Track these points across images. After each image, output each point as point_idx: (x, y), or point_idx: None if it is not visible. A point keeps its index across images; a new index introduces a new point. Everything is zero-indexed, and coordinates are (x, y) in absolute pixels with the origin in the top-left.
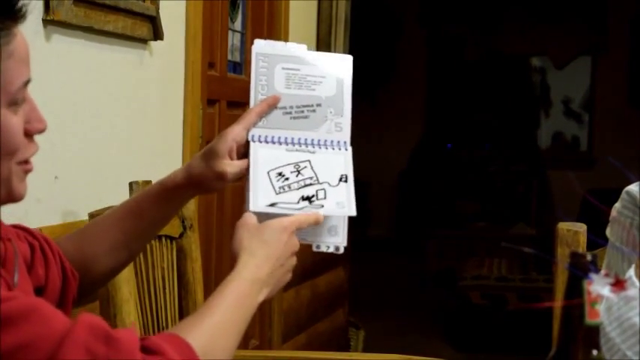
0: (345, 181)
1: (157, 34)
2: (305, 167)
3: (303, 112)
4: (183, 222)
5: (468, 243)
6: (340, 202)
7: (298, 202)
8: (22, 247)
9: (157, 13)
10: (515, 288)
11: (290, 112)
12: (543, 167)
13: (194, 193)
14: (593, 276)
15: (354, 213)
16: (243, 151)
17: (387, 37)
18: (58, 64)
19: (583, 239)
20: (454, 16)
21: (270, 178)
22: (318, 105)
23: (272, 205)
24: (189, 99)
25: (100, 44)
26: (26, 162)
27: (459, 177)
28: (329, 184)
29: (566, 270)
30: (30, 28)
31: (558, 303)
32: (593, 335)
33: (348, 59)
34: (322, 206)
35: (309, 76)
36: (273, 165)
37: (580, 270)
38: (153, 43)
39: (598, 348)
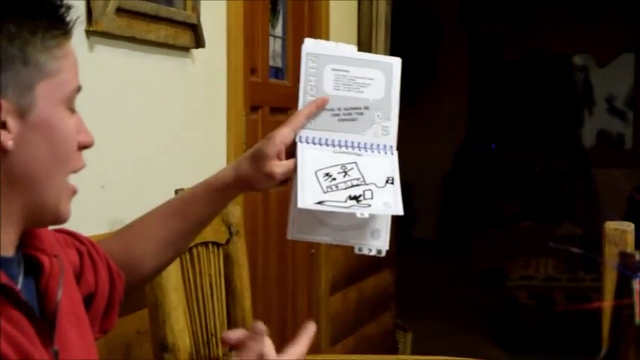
0: (392, 183)
1: (199, 42)
2: (352, 169)
3: (350, 114)
4: (229, 228)
5: (514, 243)
6: (387, 202)
7: (346, 201)
8: (70, 255)
9: (198, 21)
10: (562, 288)
11: (338, 114)
12: (588, 166)
13: (241, 192)
14: None
15: (401, 212)
16: (291, 151)
17: (428, 39)
18: (102, 74)
19: (631, 238)
20: (494, 16)
21: (317, 178)
22: (366, 108)
23: (320, 202)
24: (232, 106)
25: (142, 53)
26: (75, 171)
27: (504, 177)
28: (376, 185)
29: (615, 269)
30: (73, 39)
31: (607, 303)
32: None
33: (397, 62)
34: (369, 205)
35: (358, 78)
36: (320, 165)
37: (629, 269)
38: (195, 51)
39: None
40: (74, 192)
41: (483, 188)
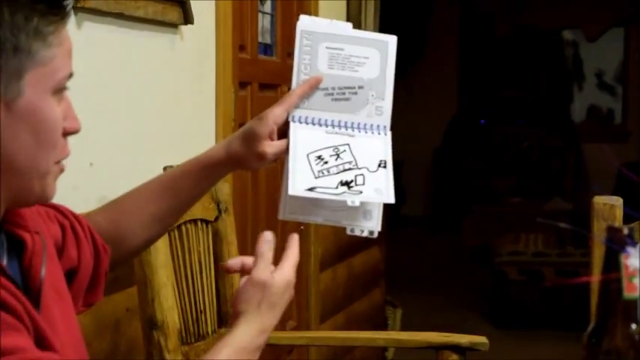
0: (384, 166)
1: (187, 19)
2: (344, 151)
3: (344, 93)
4: (218, 205)
5: (503, 219)
6: (378, 189)
7: (337, 187)
8: (52, 229)
9: None
10: (552, 263)
11: (332, 94)
12: (578, 141)
13: (231, 170)
14: (630, 249)
15: (392, 200)
16: (283, 130)
17: (418, 14)
18: (90, 51)
19: (619, 213)
20: None
21: (309, 161)
22: (360, 87)
23: (311, 189)
24: (221, 82)
25: (130, 30)
26: (59, 162)
27: (494, 153)
28: (368, 169)
29: (603, 244)
30: None
31: (596, 277)
32: (631, 309)
33: (393, 40)
34: (361, 192)
35: (352, 57)
36: (312, 147)
37: (617, 244)
38: (183, 28)
39: (636, 322)
40: (61, 171)
41: (474, 164)
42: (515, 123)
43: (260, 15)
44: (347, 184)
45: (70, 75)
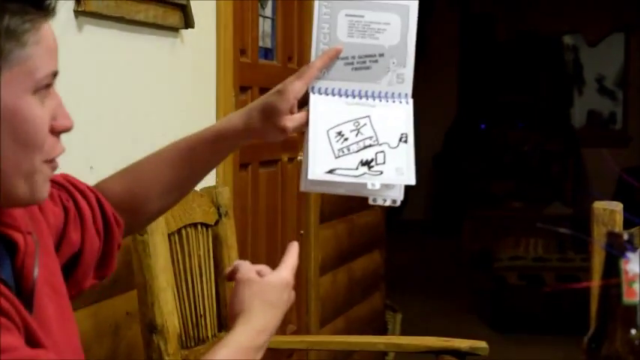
0: (405, 141)
1: (188, 22)
2: (365, 125)
3: (365, 62)
4: (218, 209)
5: (503, 223)
6: (399, 168)
7: (357, 168)
8: (56, 213)
9: (188, 1)
10: (552, 268)
11: (352, 63)
12: (578, 146)
13: (249, 141)
14: (630, 255)
15: (412, 181)
16: (303, 100)
17: (419, 18)
18: (90, 55)
19: (619, 218)
20: None
21: (329, 139)
22: (381, 55)
23: (331, 171)
24: (222, 86)
25: (131, 34)
26: (52, 160)
27: (494, 157)
28: (389, 145)
29: (603, 249)
30: (61, 20)
31: (596, 283)
32: (631, 314)
33: (414, 4)
34: (381, 172)
35: (372, 24)
36: (332, 123)
37: (617, 249)
38: (184, 32)
39: (636, 327)
40: (53, 169)
41: (474, 168)
42: (515, 127)
43: (261, 19)
44: (367, 163)
45: (55, 73)
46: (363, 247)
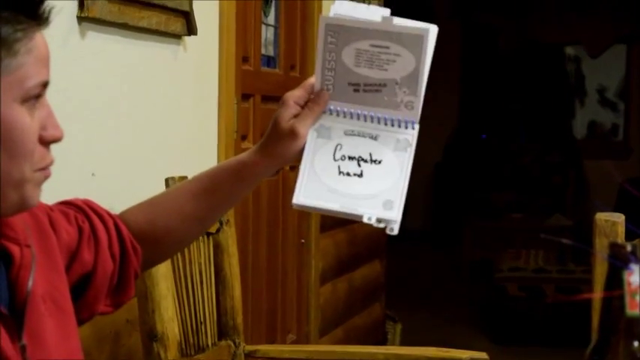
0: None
1: (191, 29)
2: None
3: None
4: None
5: (504, 234)
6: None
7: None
8: (70, 231)
9: (191, 8)
10: (552, 279)
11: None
12: (579, 157)
13: (271, 166)
14: (633, 266)
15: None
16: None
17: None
18: (93, 61)
19: (621, 229)
20: (487, 5)
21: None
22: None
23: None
24: (224, 94)
25: (134, 40)
26: (43, 169)
27: (495, 168)
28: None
29: (605, 261)
30: (65, 26)
31: (598, 294)
32: (634, 326)
33: (432, 30)
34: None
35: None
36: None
37: (620, 260)
38: (187, 39)
39: (639, 339)
40: (45, 177)
41: (474, 179)
42: (516, 138)
43: (264, 27)
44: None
45: (45, 83)
46: (364, 257)
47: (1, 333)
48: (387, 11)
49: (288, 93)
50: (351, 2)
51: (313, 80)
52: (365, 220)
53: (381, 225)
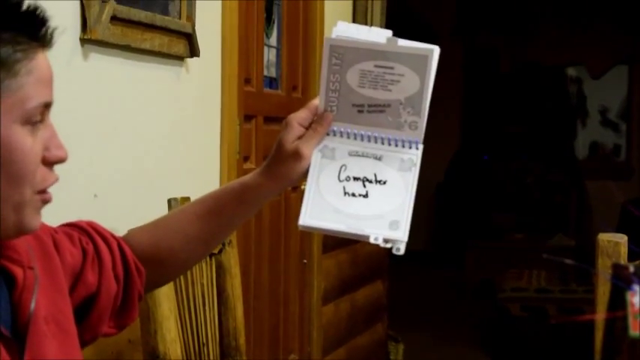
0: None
1: (193, 51)
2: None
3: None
4: None
5: (506, 255)
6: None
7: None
8: (74, 253)
9: (193, 30)
10: (555, 300)
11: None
12: (581, 178)
13: (275, 188)
14: (636, 287)
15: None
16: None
17: None
18: (96, 83)
19: (624, 250)
20: (488, 27)
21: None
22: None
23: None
24: (226, 115)
25: (137, 62)
26: (44, 191)
27: (496, 189)
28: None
29: (608, 281)
30: (67, 47)
31: (601, 315)
32: (637, 347)
33: (435, 52)
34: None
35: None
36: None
37: (623, 281)
38: (189, 60)
39: None
40: (45, 201)
41: (476, 199)
42: (518, 159)
43: (266, 48)
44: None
45: (47, 104)
46: (366, 277)
47: (3, 355)
48: (389, 32)
49: (292, 115)
50: (353, 24)
51: (317, 102)
52: (372, 240)
53: (388, 245)
